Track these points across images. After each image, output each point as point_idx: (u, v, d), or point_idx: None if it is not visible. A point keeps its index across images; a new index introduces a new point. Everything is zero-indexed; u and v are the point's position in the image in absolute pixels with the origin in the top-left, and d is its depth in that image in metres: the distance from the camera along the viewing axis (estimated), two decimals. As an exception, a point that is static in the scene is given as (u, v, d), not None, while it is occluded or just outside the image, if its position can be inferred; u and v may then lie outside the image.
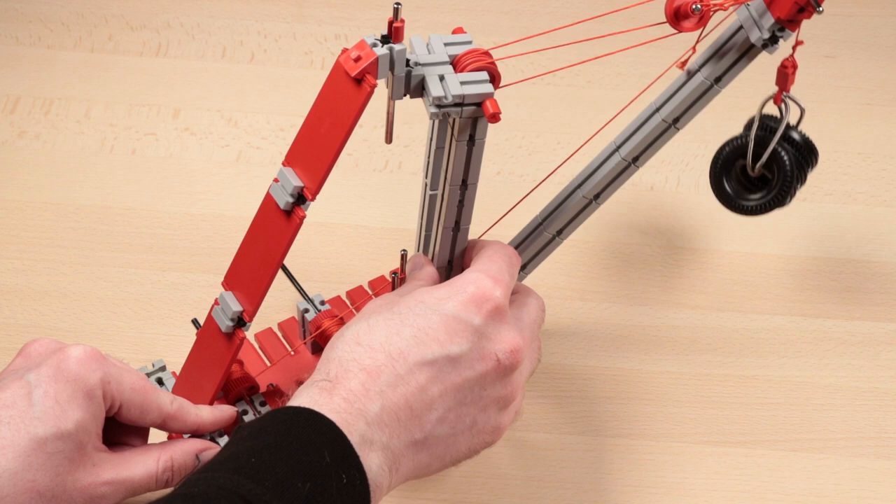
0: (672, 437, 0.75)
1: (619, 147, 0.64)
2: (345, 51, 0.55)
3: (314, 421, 0.53)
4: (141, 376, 0.60)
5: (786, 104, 0.63)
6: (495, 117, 0.56)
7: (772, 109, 0.64)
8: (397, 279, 0.69)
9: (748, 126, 0.65)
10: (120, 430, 0.61)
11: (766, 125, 0.64)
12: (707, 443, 0.74)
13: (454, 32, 0.59)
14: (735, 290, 0.83)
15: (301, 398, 0.55)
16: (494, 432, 0.60)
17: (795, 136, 0.64)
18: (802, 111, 0.63)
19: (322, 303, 0.73)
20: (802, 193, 0.90)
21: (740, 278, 0.84)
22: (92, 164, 0.90)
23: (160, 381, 0.70)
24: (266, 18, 1.03)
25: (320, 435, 0.53)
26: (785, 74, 0.61)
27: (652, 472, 0.73)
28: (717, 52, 0.60)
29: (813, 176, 0.91)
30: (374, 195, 0.89)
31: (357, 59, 0.55)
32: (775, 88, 0.62)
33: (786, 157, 0.64)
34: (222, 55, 1.00)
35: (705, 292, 0.83)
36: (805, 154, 0.65)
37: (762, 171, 0.65)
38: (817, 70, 1.00)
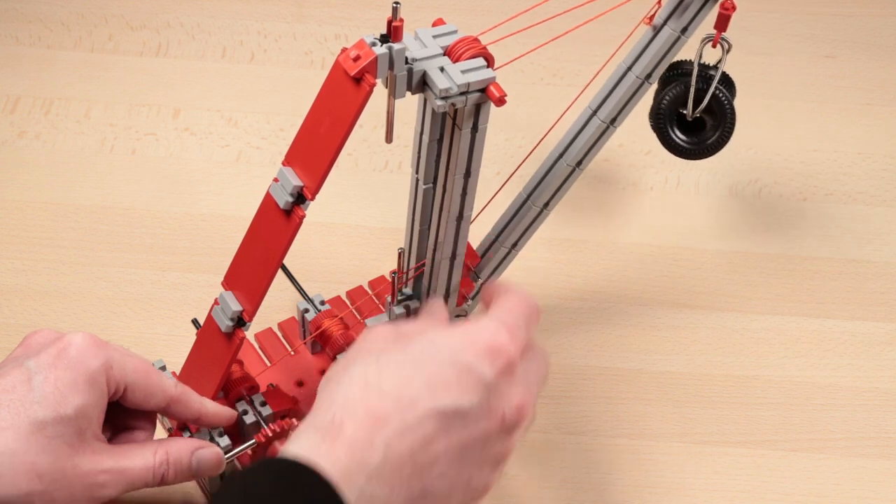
0: (672, 437, 0.75)
1: (595, 111, 0.65)
2: (344, 50, 0.55)
3: (308, 480, 0.50)
4: (143, 360, 0.60)
5: (722, 45, 0.64)
6: (501, 100, 0.56)
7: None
8: (397, 279, 0.69)
9: (672, 77, 0.67)
10: (126, 415, 0.62)
11: (687, 70, 0.67)
12: (707, 443, 0.74)
13: (434, 24, 0.59)
14: (735, 290, 0.83)
15: (301, 441, 0.52)
16: (484, 490, 0.56)
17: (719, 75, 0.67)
18: (730, 47, 0.65)
19: (322, 303, 0.73)
20: (802, 193, 0.90)
21: (740, 278, 0.84)
22: (92, 164, 0.90)
23: (160, 381, 0.70)
24: (266, 18, 1.03)
25: (312, 499, 0.50)
26: (726, 17, 0.62)
27: (652, 472, 0.73)
28: (681, 4, 0.61)
29: (813, 176, 0.92)
30: (374, 195, 0.89)
31: (356, 59, 0.55)
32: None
33: (723, 97, 0.66)
34: (222, 55, 1.00)
35: (705, 292, 0.83)
36: (730, 90, 0.67)
37: (699, 114, 0.67)
38: (817, 70, 1.00)
